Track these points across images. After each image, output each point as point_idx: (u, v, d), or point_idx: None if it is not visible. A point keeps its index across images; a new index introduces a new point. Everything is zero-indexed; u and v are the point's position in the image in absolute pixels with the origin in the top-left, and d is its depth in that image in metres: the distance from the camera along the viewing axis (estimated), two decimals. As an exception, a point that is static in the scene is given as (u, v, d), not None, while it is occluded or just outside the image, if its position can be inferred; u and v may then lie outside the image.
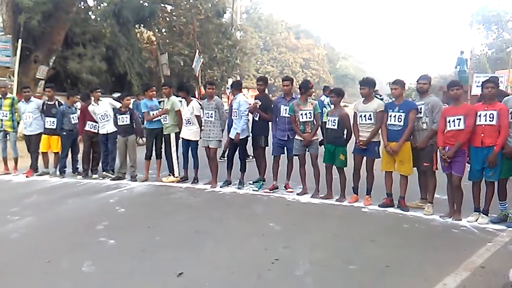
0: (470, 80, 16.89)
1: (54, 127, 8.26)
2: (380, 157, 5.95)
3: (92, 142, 8.21)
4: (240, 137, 6.91)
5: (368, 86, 5.92)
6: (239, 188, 7.01)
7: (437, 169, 5.53)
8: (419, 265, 3.85)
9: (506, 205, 5.14)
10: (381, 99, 7.29)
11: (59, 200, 6.52)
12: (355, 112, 6.02)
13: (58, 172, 8.34)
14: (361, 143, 5.83)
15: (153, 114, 7.67)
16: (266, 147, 7.14)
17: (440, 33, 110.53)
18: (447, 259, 3.99)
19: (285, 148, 6.82)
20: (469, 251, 4.16)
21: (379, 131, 5.84)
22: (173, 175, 7.66)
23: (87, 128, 8.15)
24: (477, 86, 9.57)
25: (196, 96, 21.77)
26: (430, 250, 4.27)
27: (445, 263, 3.89)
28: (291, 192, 6.69)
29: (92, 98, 8.18)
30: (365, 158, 5.99)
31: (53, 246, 4.46)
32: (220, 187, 7.11)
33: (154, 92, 8.07)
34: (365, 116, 5.86)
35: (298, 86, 7.00)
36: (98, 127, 8.09)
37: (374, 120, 5.80)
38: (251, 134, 7.13)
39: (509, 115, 4.91)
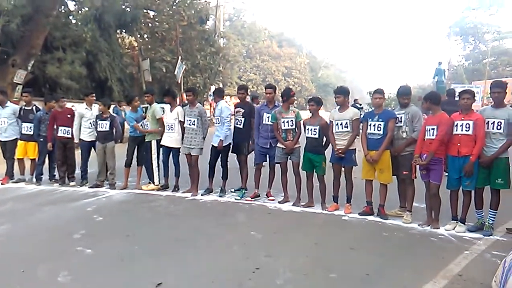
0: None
1: (31, 133, 8.07)
2: (357, 165, 6.03)
3: (65, 149, 8.00)
4: (224, 144, 6.90)
5: (342, 95, 6.02)
6: (220, 196, 6.97)
7: (415, 177, 5.61)
8: (398, 273, 3.89)
9: (483, 213, 5.24)
10: (361, 108, 7.40)
11: (35, 208, 6.36)
12: (331, 121, 6.09)
13: (34, 179, 8.15)
14: (340, 151, 5.89)
15: (142, 126, 7.61)
16: (248, 155, 7.13)
17: (419, 44, 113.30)
18: (425, 267, 4.04)
19: (267, 156, 6.82)
20: (447, 259, 4.22)
21: (356, 140, 5.95)
22: (153, 182, 7.56)
23: (60, 134, 7.90)
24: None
25: (178, 102, 21.63)
26: (409, 258, 4.31)
27: (423, 271, 3.93)
28: (273, 200, 6.69)
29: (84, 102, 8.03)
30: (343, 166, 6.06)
31: (28, 255, 4.33)
32: (201, 195, 7.06)
33: (138, 102, 8.00)
34: (341, 124, 5.94)
35: (280, 94, 7.05)
36: (72, 132, 7.90)
37: (350, 128, 5.90)
38: (232, 142, 7.09)
39: (485, 126, 5.02)
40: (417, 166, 5.45)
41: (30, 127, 8.07)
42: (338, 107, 6.10)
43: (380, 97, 5.80)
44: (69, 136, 7.95)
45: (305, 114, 6.62)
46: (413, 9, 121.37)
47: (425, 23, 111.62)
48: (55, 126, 7.93)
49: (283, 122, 6.44)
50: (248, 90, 8.12)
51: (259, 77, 53.42)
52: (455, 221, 5.25)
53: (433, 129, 5.18)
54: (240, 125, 6.97)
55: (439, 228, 5.22)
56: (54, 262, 4.13)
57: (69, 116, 8.01)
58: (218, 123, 7.01)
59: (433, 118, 5.30)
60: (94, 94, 8.28)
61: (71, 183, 7.98)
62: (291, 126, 6.43)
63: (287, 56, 58.11)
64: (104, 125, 7.67)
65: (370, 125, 5.74)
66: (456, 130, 5.10)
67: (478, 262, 4.21)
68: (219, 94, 7.58)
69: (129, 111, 7.95)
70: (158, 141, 7.49)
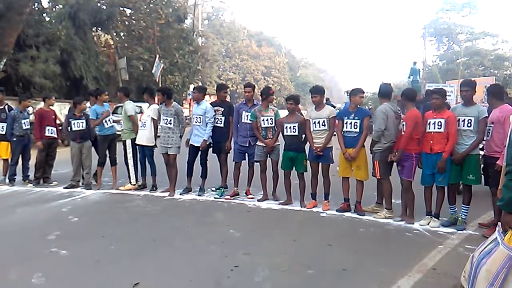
0: (423, 90, 17.71)
1: (3, 132, 7.85)
2: (333, 162, 6.12)
3: (49, 149, 7.88)
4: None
5: (319, 94, 6.11)
6: (199, 195, 6.94)
7: (380, 177, 5.69)
8: (374, 268, 3.96)
9: (455, 209, 5.39)
10: (334, 107, 7.47)
11: (8, 209, 6.19)
12: (307, 120, 6.14)
13: (7, 180, 7.92)
14: (318, 149, 5.95)
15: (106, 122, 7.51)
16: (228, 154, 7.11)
17: (395, 44, 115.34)
18: (400, 261, 4.12)
19: (246, 154, 6.82)
20: (422, 254, 4.31)
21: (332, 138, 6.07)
22: (130, 182, 7.46)
23: (47, 134, 7.78)
24: (429, 95, 10.06)
25: (156, 101, 21.41)
26: (385, 253, 4.39)
27: (399, 265, 4.01)
28: (252, 198, 6.70)
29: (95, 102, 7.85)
30: (320, 164, 6.12)
31: (1, 257, 4.22)
32: (180, 194, 7.01)
33: (107, 97, 7.93)
34: (318, 122, 6.01)
35: (259, 93, 7.06)
36: (57, 132, 7.93)
37: (327, 126, 5.98)
38: (212, 141, 7.05)
39: (456, 123, 5.14)
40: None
41: (2, 126, 7.85)
42: (315, 106, 6.17)
43: (362, 96, 5.97)
44: (55, 136, 7.89)
45: (284, 113, 6.65)
46: (389, 10, 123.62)
47: (400, 24, 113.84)
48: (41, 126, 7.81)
49: (263, 120, 6.48)
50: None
51: (239, 76, 53.35)
52: (429, 217, 5.37)
53: (403, 125, 5.37)
54: (220, 124, 6.93)
55: (413, 224, 5.34)
56: (28, 264, 4.03)
57: (53, 116, 7.99)
58: (199, 122, 6.93)
59: (406, 114, 5.44)
60: (107, 93, 8.19)
61: (54, 182, 7.85)
62: (271, 124, 6.46)
63: (266, 56, 58.21)
64: (80, 124, 7.54)
65: (346, 123, 5.83)
66: (429, 128, 5.23)
67: (451, 256, 4.32)
68: (203, 92, 7.42)
69: (95, 105, 7.71)
70: (133, 140, 7.38)
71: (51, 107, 8.15)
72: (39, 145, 7.76)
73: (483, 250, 2.61)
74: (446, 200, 5.36)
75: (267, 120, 6.47)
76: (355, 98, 5.90)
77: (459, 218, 5.29)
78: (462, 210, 5.29)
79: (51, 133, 7.85)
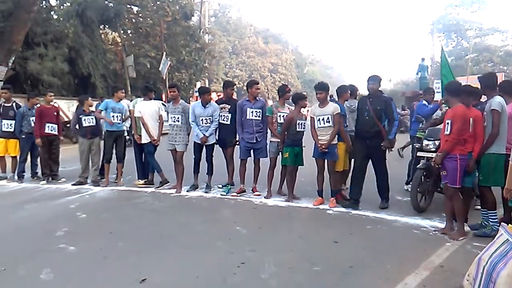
0: (431, 86, 17.50)
1: (12, 130, 7.94)
2: (338, 159, 6.17)
3: (51, 146, 7.93)
4: (210, 142, 6.91)
5: (324, 91, 6.09)
6: (206, 192, 6.96)
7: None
8: (381, 265, 3.93)
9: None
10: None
11: (17, 205, 6.27)
12: (312, 117, 6.11)
13: (16, 177, 8.01)
14: (323, 146, 5.93)
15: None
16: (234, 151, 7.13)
17: (403, 40, 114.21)
18: (407, 259, 4.09)
19: (252, 150, 6.82)
20: (429, 251, 4.28)
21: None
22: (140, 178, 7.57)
23: (47, 130, 7.83)
24: (437, 92, 9.93)
25: (163, 99, 21.49)
26: (392, 251, 4.37)
27: (406, 263, 3.98)
28: (259, 195, 6.70)
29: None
30: (326, 161, 6.12)
31: (10, 253, 4.27)
32: (187, 191, 7.03)
33: (123, 94, 8.00)
34: (323, 119, 5.99)
35: (276, 91, 7.27)
36: (58, 129, 7.97)
37: (332, 123, 5.96)
38: (218, 138, 7.07)
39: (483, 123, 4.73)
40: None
41: (10, 124, 7.94)
42: (318, 103, 6.17)
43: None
44: (56, 133, 7.91)
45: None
46: (397, 6, 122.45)
47: (408, 20, 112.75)
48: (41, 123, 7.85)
49: (279, 116, 6.59)
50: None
51: (245, 73, 53.25)
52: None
53: (448, 123, 4.69)
54: (227, 121, 6.94)
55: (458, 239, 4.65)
56: (37, 260, 4.07)
57: (55, 113, 7.99)
58: (207, 123, 6.91)
59: (450, 111, 4.81)
60: (123, 90, 8.32)
61: (62, 179, 7.93)
62: None
63: (273, 53, 58.04)
64: (90, 120, 7.61)
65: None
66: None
67: (459, 253, 4.28)
68: (208, 93, 7.26)
69: (110, 100, 7.79)
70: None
71: (53, 103, 8.21)
72: (38, 142, 7.80)
73: (494, 252, 2.50)
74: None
75: (283, 116, 6.56)
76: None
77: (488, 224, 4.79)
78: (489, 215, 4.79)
79: (51, 130, 7.89)
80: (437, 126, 5.93)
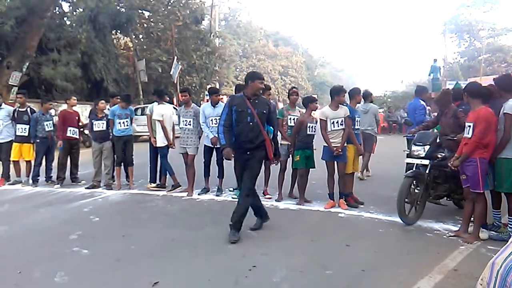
0: (444, 87, 17.38)
1: (26, 134, 8.07)
2: (347, 161, 6.18)
3: (72, 149, 8.08)
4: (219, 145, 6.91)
5: (345, 93, 6.17)
6: (217, 195, 6.98)
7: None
8: (394, 269, 3.90)
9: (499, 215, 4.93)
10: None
11: (32, 209, 6.36)
12: (324, 120, 6.02)
13: (30, 181, 8.14)
14: (339, 150, 5.90)
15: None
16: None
17: (414, 41, 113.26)
18: (421, 262, 4.06)
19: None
20: (442, 254, 4.23)
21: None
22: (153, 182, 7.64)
23: (68, 134, 7.97)
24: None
25: (175, 103, 21.63)
26: (405, 254, 4.33)
27: (419, 266, 3.95)
28: (270, 198, 6.70)
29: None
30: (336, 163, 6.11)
31: (25, 256, 4.33)
32: (198, 194, 7.06)
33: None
34: (337, 122, 5.98)
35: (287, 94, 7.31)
36: (78, 133, 8.17)
37: (344, 125, 5.97)
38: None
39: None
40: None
41: (25, 128, 8.07)
42: (328, 105, 6.17)
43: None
44: (77, 136, 8.07)
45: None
46: (408, 7, 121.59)
47: (420, 21, 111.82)
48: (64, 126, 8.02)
49: (290, 118, 6.64)
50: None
51: (256, 76, 53.27)
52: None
53: (469, 126, 4.55)
54: None
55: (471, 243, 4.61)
56: (51, 263, 4.13)
57: (76, 118, 8.18)
58: (217, 123, 6.90)
59: (472, 113, 4.64)
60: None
61: (83, 181, 8.08)
62: None
63: (283, 55, 58.05)
64: (101, 125, 7.69)
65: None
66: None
67: (473, 257, 4.23)
68: (216, 93, 7.38)
69: (115, 106, 7.81)
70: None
71: (74, 108, 8.33)
72: (60, 144, 7.95)
73: (508, 256, 2.44)
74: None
75: (293, 119, 6.59)
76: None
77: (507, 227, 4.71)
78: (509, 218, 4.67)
79: (73, 134, 8.04)
80: (429, 130, 5.68)
